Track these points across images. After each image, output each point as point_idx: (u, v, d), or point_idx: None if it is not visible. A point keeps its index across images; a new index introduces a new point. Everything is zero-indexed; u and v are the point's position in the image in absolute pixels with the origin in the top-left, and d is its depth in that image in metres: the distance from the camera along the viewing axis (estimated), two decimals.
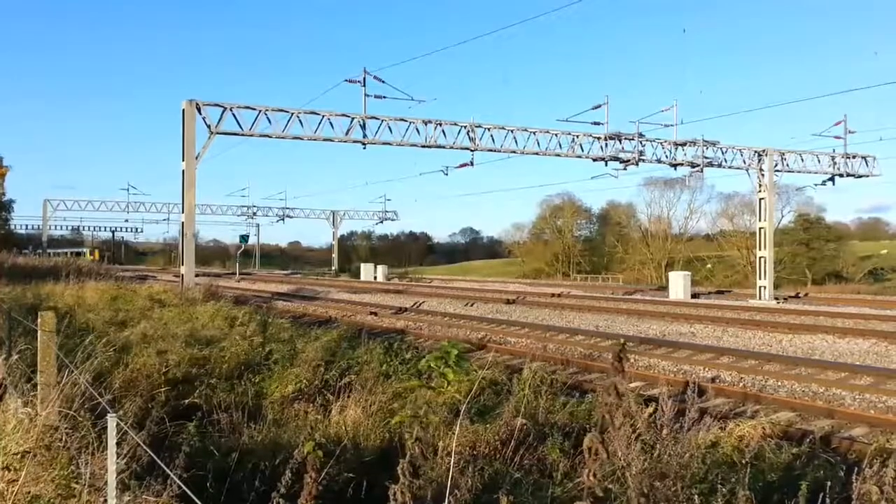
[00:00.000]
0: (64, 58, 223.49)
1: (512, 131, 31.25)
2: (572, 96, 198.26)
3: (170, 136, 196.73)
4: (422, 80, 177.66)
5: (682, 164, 33.99)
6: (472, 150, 30.94)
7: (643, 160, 32.79)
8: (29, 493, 4.56)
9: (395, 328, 21.85)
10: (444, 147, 30.53)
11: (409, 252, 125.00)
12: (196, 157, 26.96)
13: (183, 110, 26.92)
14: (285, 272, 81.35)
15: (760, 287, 34.50)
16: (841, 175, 36.73)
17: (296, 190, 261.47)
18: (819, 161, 36.49)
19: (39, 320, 6.41)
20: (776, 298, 34.07)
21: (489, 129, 30.92)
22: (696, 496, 4.53)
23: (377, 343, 12.76)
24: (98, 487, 4.48)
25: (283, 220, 79.72)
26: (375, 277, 61.62)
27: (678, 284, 34.90)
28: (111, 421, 3.79)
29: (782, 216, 66.40)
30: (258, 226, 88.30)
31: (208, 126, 27.06)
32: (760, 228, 35.58)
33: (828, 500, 4.23)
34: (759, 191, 35.47)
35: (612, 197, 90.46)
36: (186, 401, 8.34)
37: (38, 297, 19.28)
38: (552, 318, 24.40)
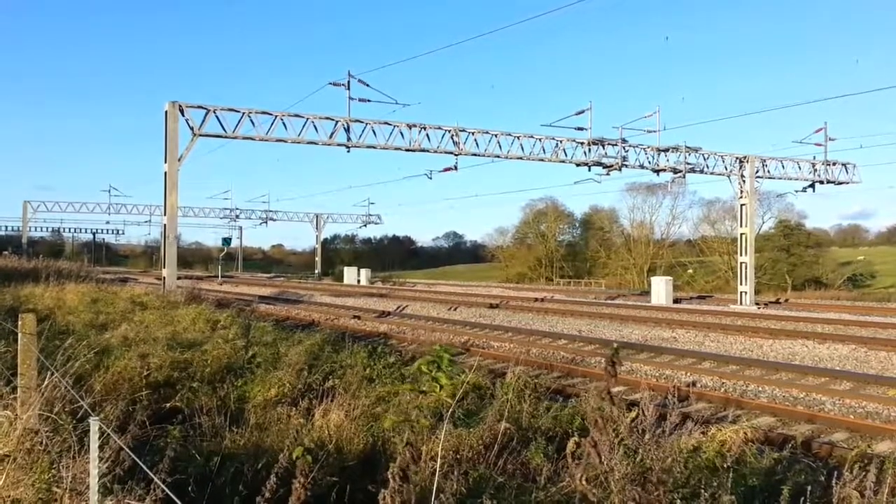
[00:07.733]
0: (43, 58, 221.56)
1: (496, 136, 31.30)
2: (556, 101, 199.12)
3: (152, 138, 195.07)
4: (406, 84, 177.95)
5: (664, 170, 34.21)
6: (456, 155, 30.95)
7: (626, 165, 32.96)
8: (9, 497, 4.51)
9: (379, 332, 21.81)
10: (428, 151, 30.49)
11: (393, 256, 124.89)
12: (178, 159, 26.82)
13: (165, 112, 26.78)
14: (268, 275, 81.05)
15: (741, 292, 34.83)
16: (821, 182, 37.11)
17: (279, 193, 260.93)
18: (800, 168, 36.86)
19: (20, 322, 6.33)
20: (757, 304, 34.38)
21: (473, 134, 30.96)
22: (679, 500, 4.56)
23: (361, 347, 12.70)
24: (80, 492, 4.44)
25: (265, 223, 79.33)
26: (359, 281, 61.55)
27: (660, 289, 35.08)
28: (94, 424, 3.75)
29: (763, 222, 67.15)
30: (241, 228, 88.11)
31: (191, 128, 26.91)
32: (742, 234, 35.92)
33: None
34: (741, 197, 35.81)
35: (595, 202, 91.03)
36: (168, 404, 8.27)
37: (17, 299, 19.08)
38: (535, 323, 24.44)
